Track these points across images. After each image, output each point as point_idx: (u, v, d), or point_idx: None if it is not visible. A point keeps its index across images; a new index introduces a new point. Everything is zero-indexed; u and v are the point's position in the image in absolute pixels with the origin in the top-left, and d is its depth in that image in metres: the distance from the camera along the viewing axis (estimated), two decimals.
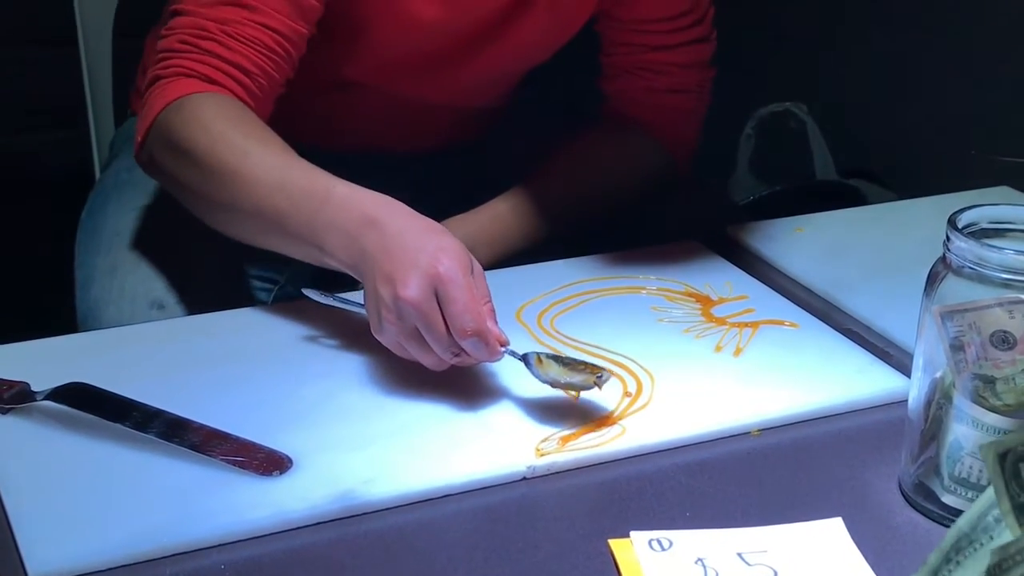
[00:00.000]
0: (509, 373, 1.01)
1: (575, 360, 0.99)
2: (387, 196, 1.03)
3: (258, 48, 1.15)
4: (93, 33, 1.62)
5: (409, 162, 1.43)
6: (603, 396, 0.99)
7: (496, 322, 0.97)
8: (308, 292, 1.10)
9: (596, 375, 0.97)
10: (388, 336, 0.98)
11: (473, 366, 1.00)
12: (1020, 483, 0.65)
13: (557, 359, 0.98)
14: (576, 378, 0.97)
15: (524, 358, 0.99)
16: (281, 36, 1.16)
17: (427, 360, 0.98)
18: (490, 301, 0.98)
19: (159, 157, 1.15)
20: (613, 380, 1.01)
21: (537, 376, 0.98)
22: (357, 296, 1.06)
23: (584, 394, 0.99)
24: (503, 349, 0.98)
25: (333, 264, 1.03)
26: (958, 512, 0.86)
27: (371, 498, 0.88)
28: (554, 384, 0.98)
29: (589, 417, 0.97)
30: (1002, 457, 0.66)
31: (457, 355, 0.97)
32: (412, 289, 0.94)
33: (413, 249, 0.97)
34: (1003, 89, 1.87)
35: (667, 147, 1.38)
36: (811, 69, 2.24)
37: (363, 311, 1.02)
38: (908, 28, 2.03)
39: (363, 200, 1.02)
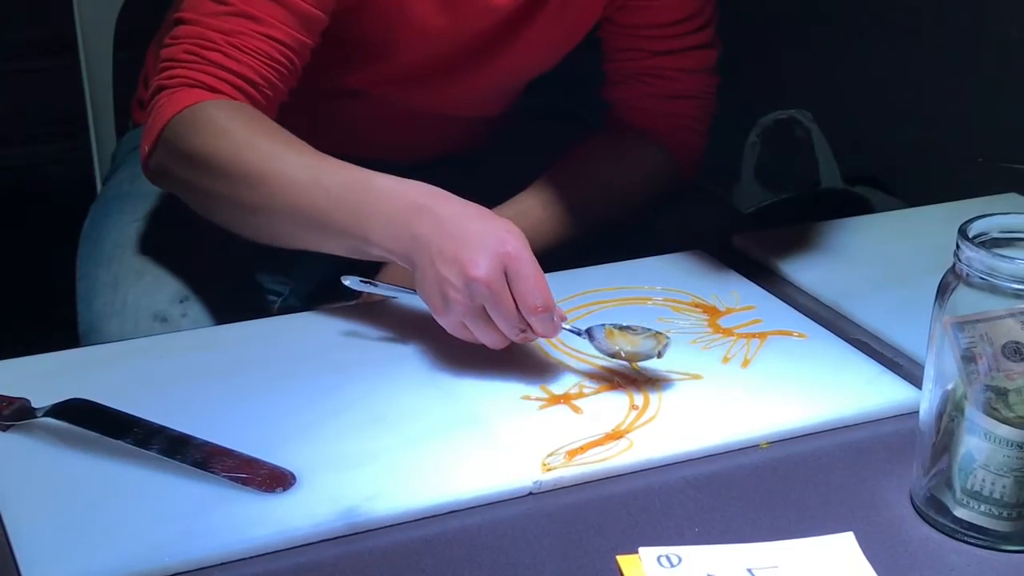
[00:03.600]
0: (514, 386, 1.01)
1: (634, 327, 1.03)
2: (427, 184, 1.04)
3: (263, 59, 1.15)
4: (94, 44, 1.61)
5: (411, 171, 1.41)
6: (610, 409, 0.99)
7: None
8: (347, 280, 1.10)
9: (663, 344, 1.02)
10: (452, 317, 1.01)
11: (532, 342, 1.05)
12: None
13: (621, 328, 1.03)
14: (643, 347, 1.02)
15: (588, 332, 1.03)
16: (286, 47, 1.16)
17: (490, 339, 1.01)
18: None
19: (171, 167, 1.14)
20: (620, 392, 1.01)
21: (601, 349, 1.03)
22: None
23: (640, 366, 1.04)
24: (563, 324, 1.02)
25: (378, 254, 1.05)
26: (971, 526, 0.85)
27: (375, 515, 0.87)
28: (615, 355, 1.03)
29: (596, 431, 0.96)
30: None
31: (523, 331, 1.00)
32: (482, 269, 0.97)
33: (475, 231, 1.00)
34: (1009, 95, 1.86)
35: (671, 153, 1.37)
36: (815, 76, 2.23)
37: (404, 294, 1.08)
38: (913, 34, 2.02)
39: (408, 188, 1.04)
